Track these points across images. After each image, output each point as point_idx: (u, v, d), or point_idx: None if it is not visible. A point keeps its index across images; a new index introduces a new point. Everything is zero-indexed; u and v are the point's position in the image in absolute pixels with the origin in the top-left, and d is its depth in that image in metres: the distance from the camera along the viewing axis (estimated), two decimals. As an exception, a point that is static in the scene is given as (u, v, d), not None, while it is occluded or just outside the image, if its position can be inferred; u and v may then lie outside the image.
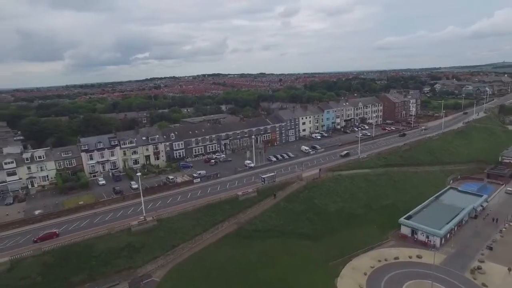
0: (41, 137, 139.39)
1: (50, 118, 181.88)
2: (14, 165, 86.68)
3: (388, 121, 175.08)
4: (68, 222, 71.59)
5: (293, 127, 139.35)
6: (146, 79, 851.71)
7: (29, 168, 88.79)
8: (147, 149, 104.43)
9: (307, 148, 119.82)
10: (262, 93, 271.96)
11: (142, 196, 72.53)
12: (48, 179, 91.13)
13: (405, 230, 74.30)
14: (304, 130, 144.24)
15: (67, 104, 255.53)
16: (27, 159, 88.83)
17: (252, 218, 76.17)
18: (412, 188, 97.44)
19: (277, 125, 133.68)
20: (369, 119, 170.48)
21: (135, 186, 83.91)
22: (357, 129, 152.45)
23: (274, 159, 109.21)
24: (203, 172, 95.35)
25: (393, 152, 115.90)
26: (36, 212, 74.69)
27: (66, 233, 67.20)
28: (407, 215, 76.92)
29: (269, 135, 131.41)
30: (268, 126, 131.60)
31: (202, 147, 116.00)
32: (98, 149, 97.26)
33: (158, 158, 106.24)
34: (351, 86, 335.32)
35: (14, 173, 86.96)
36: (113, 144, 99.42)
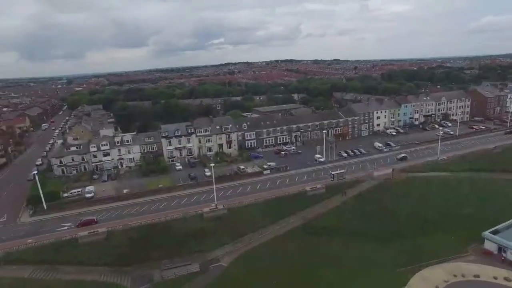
0: (128, 121, 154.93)
1: (136, 103, 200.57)
2: (108, 147, 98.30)
3: (476, 118, 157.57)
4: (149, 202, 79.56)
5: (366, 121, 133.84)
6: (221, 64, 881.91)
7: (119, 150, 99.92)
8: (220, 138, 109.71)
9: (380, 145, 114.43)
10: (335, 82, 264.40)
11: (214, 185, 76.91)
12: (134, 161, 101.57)
13: (490, 246, 67.27)
14: (378, 125, 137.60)
15: (150, 89, 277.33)
16: (117, 142, 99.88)
17: (319, 215, 76.17)
18: (502, 198, 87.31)
19: (349, 118, 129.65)
20: (452, 115, 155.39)
21: (208, 173, 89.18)
22: (438, 127, 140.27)
23: (345, 154, 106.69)
24: (273, 164, 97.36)
25: (481, 155, 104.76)
26: (125, 191, 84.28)
27: (148, 212, 74.99)
28: (493, 229, 69.41)
29: (341, 129, 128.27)
30: (340, 120, 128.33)
31: (273, 138, 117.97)
32: (176, 136, 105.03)
33: (230, 147, 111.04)
34: (434, 76, 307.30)
35: (108, 154, 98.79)
36: (189, 132, 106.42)
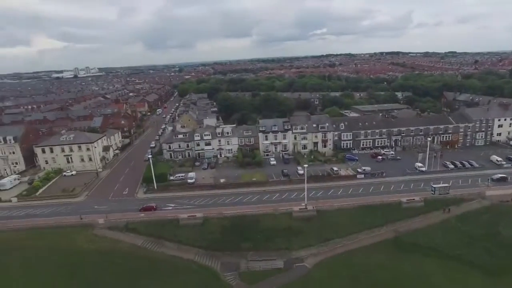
0: (229, 111, 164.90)
1: (237, 95, 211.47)
2: (210, 137, 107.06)
3: None
4: (243, 194, 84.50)
5: (483, 129, 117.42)
6: (322, 56, 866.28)
7: (219, 141, 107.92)
8: (316, 136, 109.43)
9: (499, 159, 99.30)
10: (448, 81, 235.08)
11: (306, 184, 77.47)
12: (231, 152, 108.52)
13: None
14: (499, 134, 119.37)
15: (251, 80, 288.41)
16: (219, 133, 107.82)
17: (413, 230, 71.04)
18: None
19: (461, 125, 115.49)
20: None
21: (301, 172, 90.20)
22: None
23: (451, 166, 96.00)
24: (368, 168, 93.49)
25: None
26: (221, 180, 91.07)
27: (241, 203, 79.80)
28: None
29: (449, 136, 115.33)
30: (450, 126, 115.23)
31: (371, 140, 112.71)
32: (273, 132, 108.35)
33: (325, 146, 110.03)
34: None
35: (209, 144, 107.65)
36: (286, 128, 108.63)
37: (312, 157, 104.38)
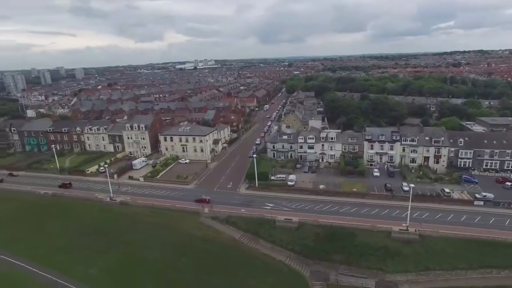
0: (335, 113, 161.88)
1: (345, 95, 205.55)
2: (313, 141, 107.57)
3: None
4: (341, 203, 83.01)
5: None
6: (445, 53, 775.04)
7: (322, 145, 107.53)
8: (427, 150, 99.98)
9: None
10: None
11: (410, 203, 71.82)
12: (334, 158, 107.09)
13: None
14: None
15: (361, 81, 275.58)
16: (322, 138, 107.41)
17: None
18: None
19: None
20: None
21: (406, 188, 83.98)
22: None
23: None
24: (490, 195, 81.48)
25: None
26: (321, 186, 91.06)
27: (337, 213, 78.69)
28: None
29: None
30: None
31: (498, 162, 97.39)
32: (379, 141, 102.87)
33: (437, 162, 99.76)
34: None
35: (312, 147, 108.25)
36: (394, 139, 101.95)
37: (421, 173, 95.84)
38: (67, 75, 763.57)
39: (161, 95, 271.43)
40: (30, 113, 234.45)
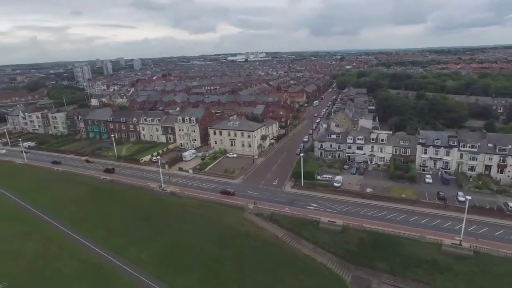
0: (387, 112, 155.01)
1: (399, 94, 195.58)
2: (363, 142, 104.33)
3: None
4: (388, 209, 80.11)
5: None
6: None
7: (372, 147, 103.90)
8: (490, 159, 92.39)
9: None
10: None
11: (465, 215, 66.97)
12: (383, 161, 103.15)
13: None
14: None
15: (418, 77, 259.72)
16: (372, 139, 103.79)
17: None
18: None
19: None
20: None
21: (461, 199, 78.70)
22: None
23: None
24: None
25: None
26: (368, 190, 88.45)
27: (384, 219, 76.07)
28: None
29: None
30: None
31: None
32: (434, 146, 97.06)
33: (501, 172, 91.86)
34: None
35: (361, 148, 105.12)
36: (451, 144, 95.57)
37: (481, 183, 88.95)
38: (126, 65, 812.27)
39: (212, 87, 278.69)
40: (94, 101, 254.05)
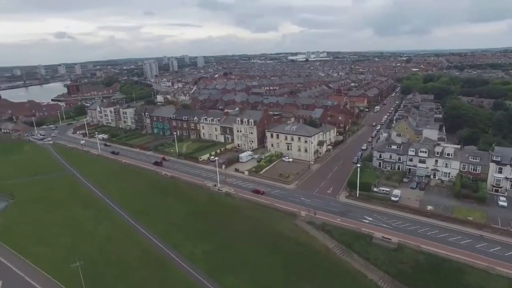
0: (456, 124, 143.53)
1: (472, 102, 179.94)
2: (426, 155, 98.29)
3: None
4: (450, 231, 74.48)
5: None
6: None
7: (436, 161, 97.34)
8: None
9: None
10: None
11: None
12: (448, 177, 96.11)
13: None
14: None
15: (497, 84, 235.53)
16: (437, 153, 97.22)
17: None
18: None
19: None
20: None
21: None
22: None
23: None
24: None
25: None
26: (428, 207, 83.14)
27: (445, 242, 70.95)
28: None
29: None
30: None
31: None
32: None
33: None
34: None
35: (423, 162, 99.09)
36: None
37: None
38: (190, 63, 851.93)
39: (271, 88, 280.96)
40: (159, 98, 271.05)
